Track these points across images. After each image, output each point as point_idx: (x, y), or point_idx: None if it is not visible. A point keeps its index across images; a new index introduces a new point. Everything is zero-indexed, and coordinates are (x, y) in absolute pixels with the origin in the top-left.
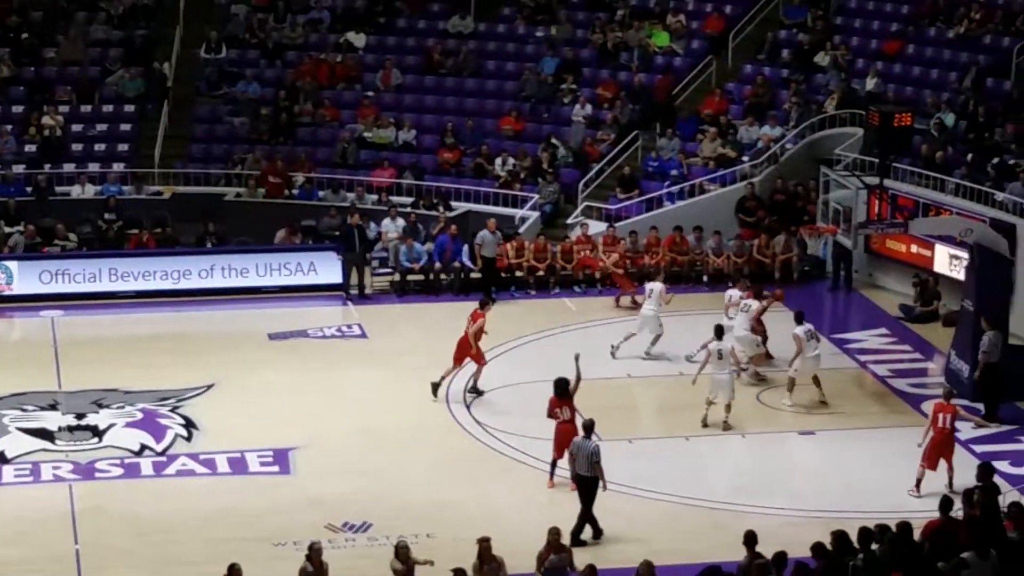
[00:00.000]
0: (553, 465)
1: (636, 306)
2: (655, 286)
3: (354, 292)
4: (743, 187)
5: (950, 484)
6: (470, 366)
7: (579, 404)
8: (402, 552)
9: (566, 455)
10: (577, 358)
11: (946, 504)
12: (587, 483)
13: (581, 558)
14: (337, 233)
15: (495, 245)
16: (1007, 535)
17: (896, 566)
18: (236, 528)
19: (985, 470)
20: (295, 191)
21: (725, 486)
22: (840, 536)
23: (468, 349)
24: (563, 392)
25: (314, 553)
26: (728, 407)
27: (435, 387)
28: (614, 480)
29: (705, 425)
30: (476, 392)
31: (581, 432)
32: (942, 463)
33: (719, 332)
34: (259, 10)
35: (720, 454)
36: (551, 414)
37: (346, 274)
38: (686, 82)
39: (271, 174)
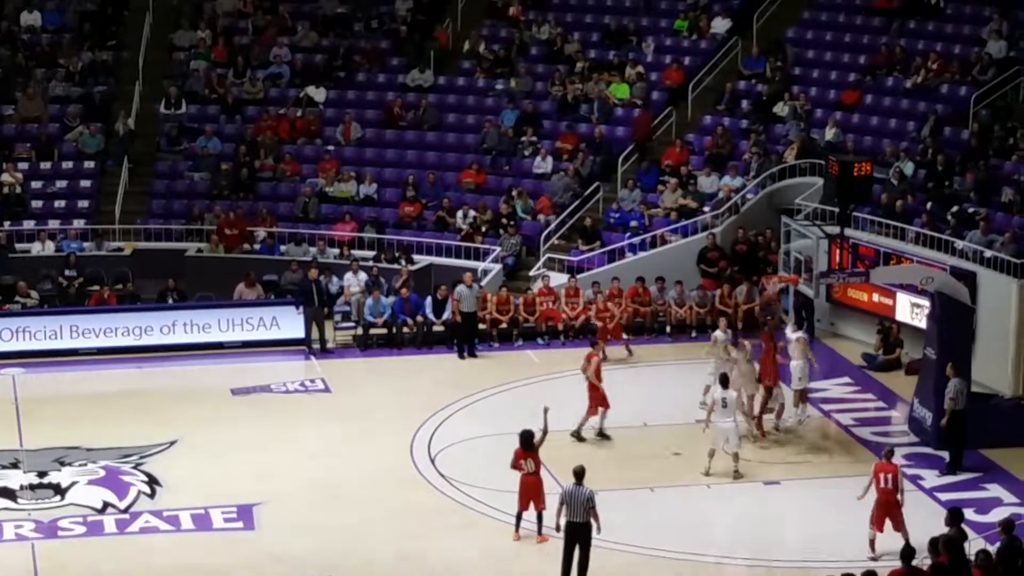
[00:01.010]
0: (518, 518)
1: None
2: (718, 335)
3: (316, 346)
4: (704, 237)
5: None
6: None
7: (547, 456)
8: None
9: (554, 504)
10: (546, 411)
11: (908, 554)
12: (581, 530)
13: None
14: (295, 287)
15: (473, 299)
16: None
17: None
18: None
19: (954, 515)
20: (257, 246)
21: (689, 537)
22: None
23: (597, 391)
24: (528, 444)
25: None
26: (736, 456)
27: (576, 436)
28: None
29: (707, 474)
30: (603, 436)
31: (572, 480)
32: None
33: (724, 381)
34: (218, 65)
35: (685, 505)
36: (515, 466)
37: (307, 328)
38: (643, 137)
39: (227, 227)
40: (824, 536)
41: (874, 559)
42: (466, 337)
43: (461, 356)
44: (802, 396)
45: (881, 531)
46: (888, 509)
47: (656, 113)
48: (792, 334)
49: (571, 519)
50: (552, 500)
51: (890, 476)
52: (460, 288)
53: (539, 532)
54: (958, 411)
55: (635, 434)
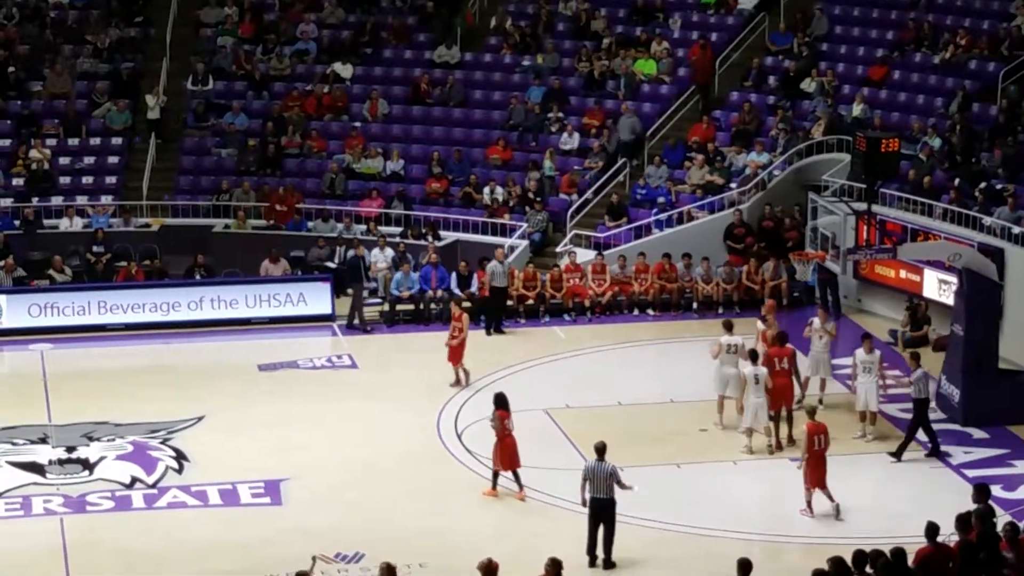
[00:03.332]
0: (495, 476)
1: None
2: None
3: (356, 323)
4: (731, 214)
5: (836, 511)
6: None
7: (571, 431)
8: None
9: (576, 479)
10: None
11: (932, 530)
12: (604, 505)
13: None
14: (336, 266)
15: (504, 275)
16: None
17: None
18: (228, 560)
19: (981, 492)
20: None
21: (716, 513)
22: (838, 562)
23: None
24: (505, 405)
25: None
26: (767, 430)
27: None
28: None
29: (751, 452)
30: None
31: (594, 455)
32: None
33: (754, 356)
34: (246, 42)
35: (711, 481)
36: (504, 429)
37: (359, 306)
38: (673, 110)
39: (278, 203)
40: (850, 511)
41: (811, 517)
42: (494, 313)
43: (488, 332)
44: (873, 417)
45: (823, 488)
46: (822, 468)
47: (681, 91)
48: (870, 355)
49: (595, 495)
50: (576, 476)
51: (823, 437)
52: (492, 264)
53: (520, 489)
54: (920, 399)
55: (662, 410)
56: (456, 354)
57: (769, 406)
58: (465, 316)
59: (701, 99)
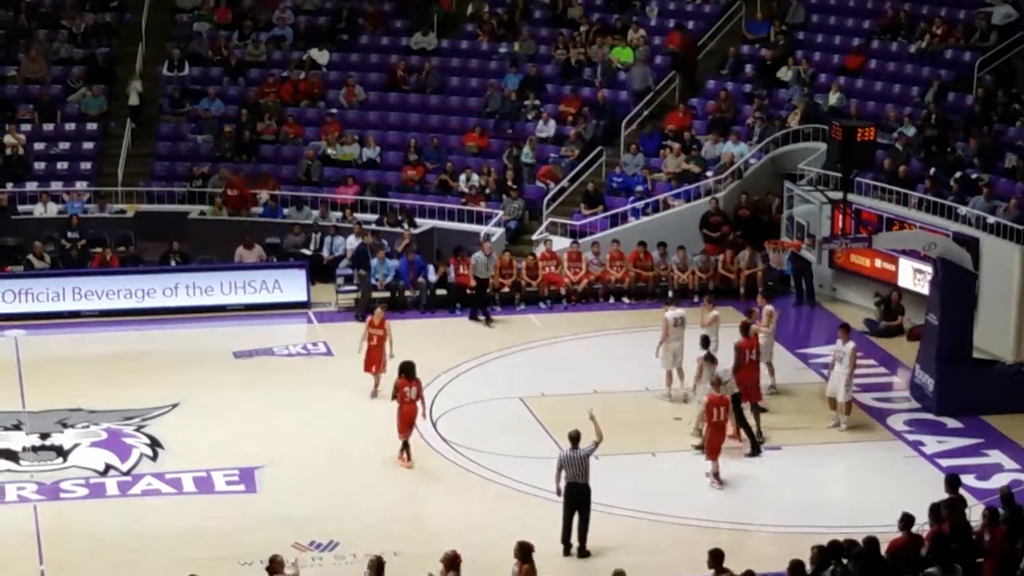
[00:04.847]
0: (406, 446)
1: None
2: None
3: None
4: (707, 202)
5: (716, 476)
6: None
7: (547, 419)
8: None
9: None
10: (592, 417)
11: (907, 521)
12: (580, 490)
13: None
14: (311, 252)
15: (488, 267)
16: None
17: None
18: (203, 547)
19: (952, 482)
20: (259, 209)
21: (690, 501)
22: (821, 550)
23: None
24: (410, 373)
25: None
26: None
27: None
28: None
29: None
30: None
31: (568, 444)
32: None
33: (705, 342)
34: (222, 27)
35: (686, 470)
36: (399, 396)
37: (367, 292)
38: (649, 98)
39: (229, 188)
40: (825, 501)
41: (720, 488)
42: (479, 302)
43: (473, 318)
44: (848, 407)
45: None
46: (719, 438)
47: (658, 79)
48: (845, 345)
49: (571, 480)
50: (551, 464)
51: (723, 409)
52: (477, 255)
53: (408, 457)
54: (737, 395)
55: (637, 399)
56: (372, 362)
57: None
58: (388, 322)
59: (684, 81)
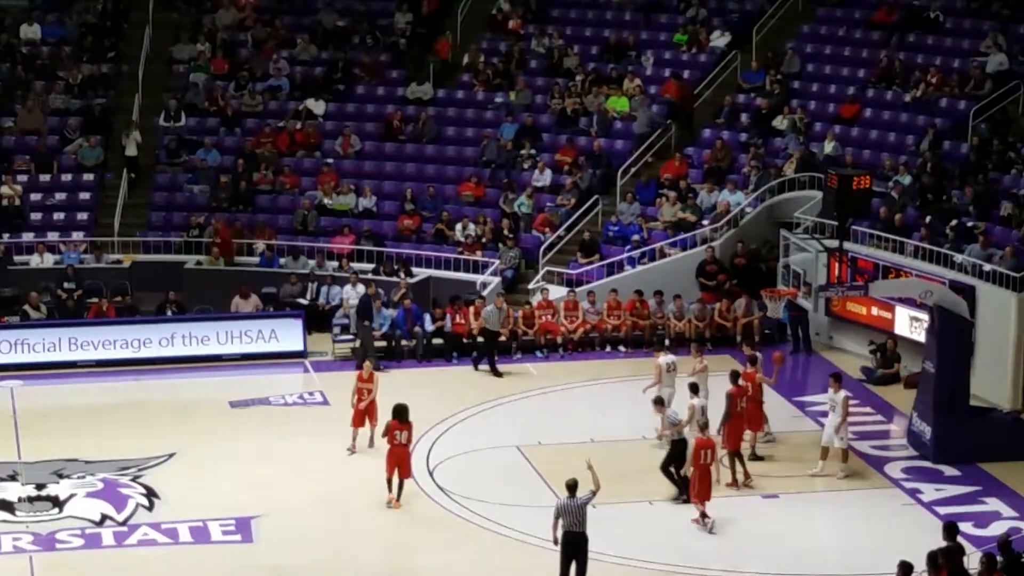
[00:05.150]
0: (389, 483)
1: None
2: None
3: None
4: (703, 251)
5: (704, 516)
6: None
7: (543, 468)
8: None
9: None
10: (590, 467)
11: (905, 568)
12: (577, 538)
13: None
14: (307, 302)
15: (498, 321)
16: None
17: None
18: None
19: (950, 530)
20: (256, 259)
21: (687, 551)
22: None
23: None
24: (403, 417)
25: None
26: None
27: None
28: None
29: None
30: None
31: (565, 493)
32: None
33: (694, 389)
34: (218, 78)
35: (683, 519)
36: (389, 436)
37: (368, 344)
38: (645, 147)
39: (218, 235)
40: (822, 549)
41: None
42: (487, 353)
43: (476, 366)
44: (845, 455)
45: (706, 501)
46: (706, 481)
47: (653, 128)
48: (837, 394)
49: (568, 529)
50: (548, 513)
51: (710, 451)
52: (490, 308)
53: (397, 498)
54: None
55: (634, 447)
56: (361, 417)
57: (727, 444)
58: (377, 376)
59: (682, 129)
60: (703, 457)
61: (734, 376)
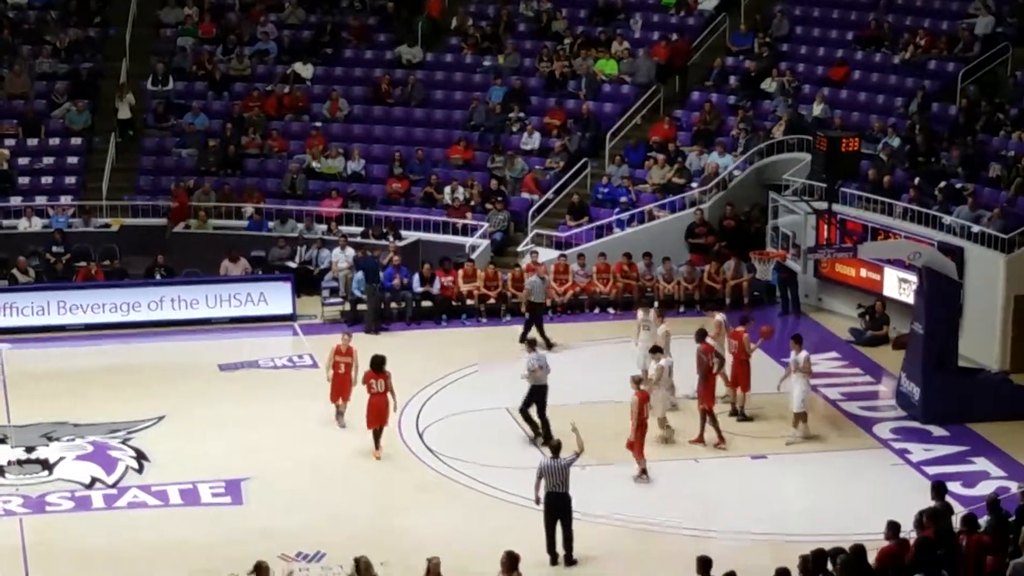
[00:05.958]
0: (376, 435)
1: None
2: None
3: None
4: (692, 213)
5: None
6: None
7: (533, 432)
8: (363, 566)
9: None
10: (575, 429)
11: (893, 528)
12: (561, 498)
13: None
14: (296, 265)
15: (542, 291)
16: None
17: None
18: (189, 560)
19: (939, 490)
20: (245, 222)
21: (677, 511)
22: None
23: (742, 368)
24: (378, 367)
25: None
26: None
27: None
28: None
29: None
30: (744, 417)
31: (548, 454)
32: None
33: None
34: (206, 42)
35: (673, 479)
36: (366, 385)
37: (375, 305)
38: (634, 110)
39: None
40: (811, 509)
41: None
42: (535, 326)
43: (523, 341)
44: (803, 418)
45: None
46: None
47: (642, 91)
48: (799, 355)
49: (551, 489)
50: (530, 474)
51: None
52: (533, 279)
53: (376, 447)
54: (536, 386)
55: (623, 409)
56: (337, 393)
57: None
58: (355, 350)
59: (679, 84)
60: (645, 412)
61: (700, 334)
